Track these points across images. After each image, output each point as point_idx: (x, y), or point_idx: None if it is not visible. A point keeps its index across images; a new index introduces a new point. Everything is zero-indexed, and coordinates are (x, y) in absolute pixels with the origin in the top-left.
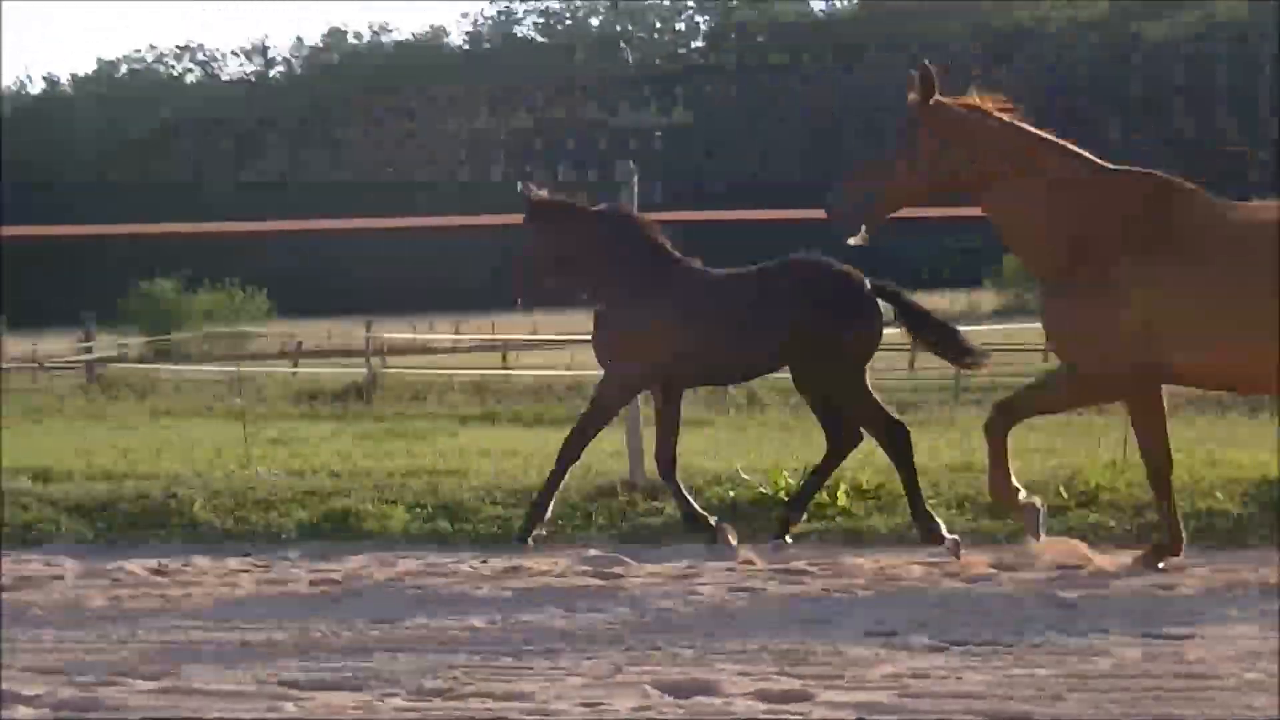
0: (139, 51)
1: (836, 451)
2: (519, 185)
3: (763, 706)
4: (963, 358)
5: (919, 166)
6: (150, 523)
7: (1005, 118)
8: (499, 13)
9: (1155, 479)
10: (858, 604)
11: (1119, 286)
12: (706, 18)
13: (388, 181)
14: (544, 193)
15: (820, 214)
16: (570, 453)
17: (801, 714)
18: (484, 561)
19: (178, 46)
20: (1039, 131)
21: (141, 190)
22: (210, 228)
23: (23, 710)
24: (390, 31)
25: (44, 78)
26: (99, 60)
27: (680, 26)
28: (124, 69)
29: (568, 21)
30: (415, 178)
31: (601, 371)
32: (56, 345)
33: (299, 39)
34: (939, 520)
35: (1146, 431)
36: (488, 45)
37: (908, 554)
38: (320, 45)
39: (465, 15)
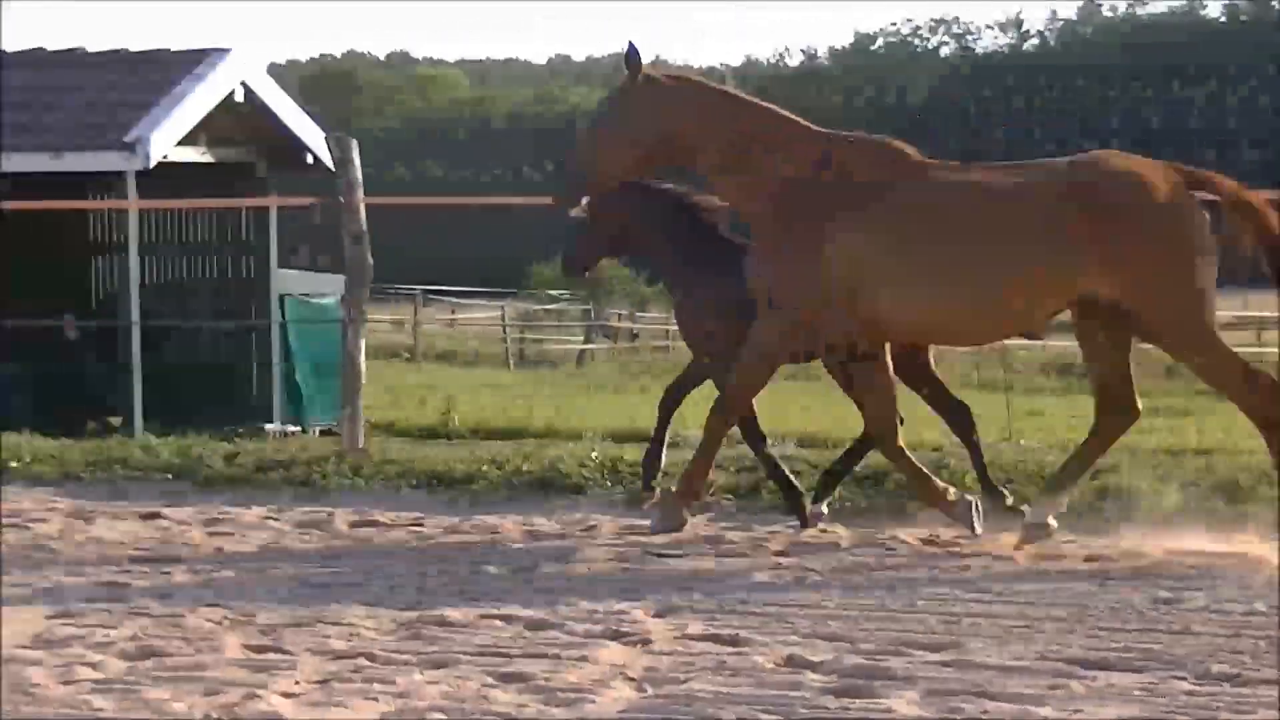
0: (894, 25)
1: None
2: None
3: None
4: None
5: (630, 139)
6: (914, 492)
7: (719, 87)
8: None
9: (881, 444)
10: None
11: (826, 245)
12: None
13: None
14: None
15: None
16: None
17: None
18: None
19: (933, 20)
20: (754, 99)
21: None
22: None
23: (810, 675)
24: (1145, 4)
25: (802, 50)
26: (856, 33)
27: None
28: (880, 42)
29: None
30: (1160, 151)
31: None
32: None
33: (1053, 12)
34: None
35: (868, 394)
36: (1244, 19)
37: None
38: (1074, 18)
39: None
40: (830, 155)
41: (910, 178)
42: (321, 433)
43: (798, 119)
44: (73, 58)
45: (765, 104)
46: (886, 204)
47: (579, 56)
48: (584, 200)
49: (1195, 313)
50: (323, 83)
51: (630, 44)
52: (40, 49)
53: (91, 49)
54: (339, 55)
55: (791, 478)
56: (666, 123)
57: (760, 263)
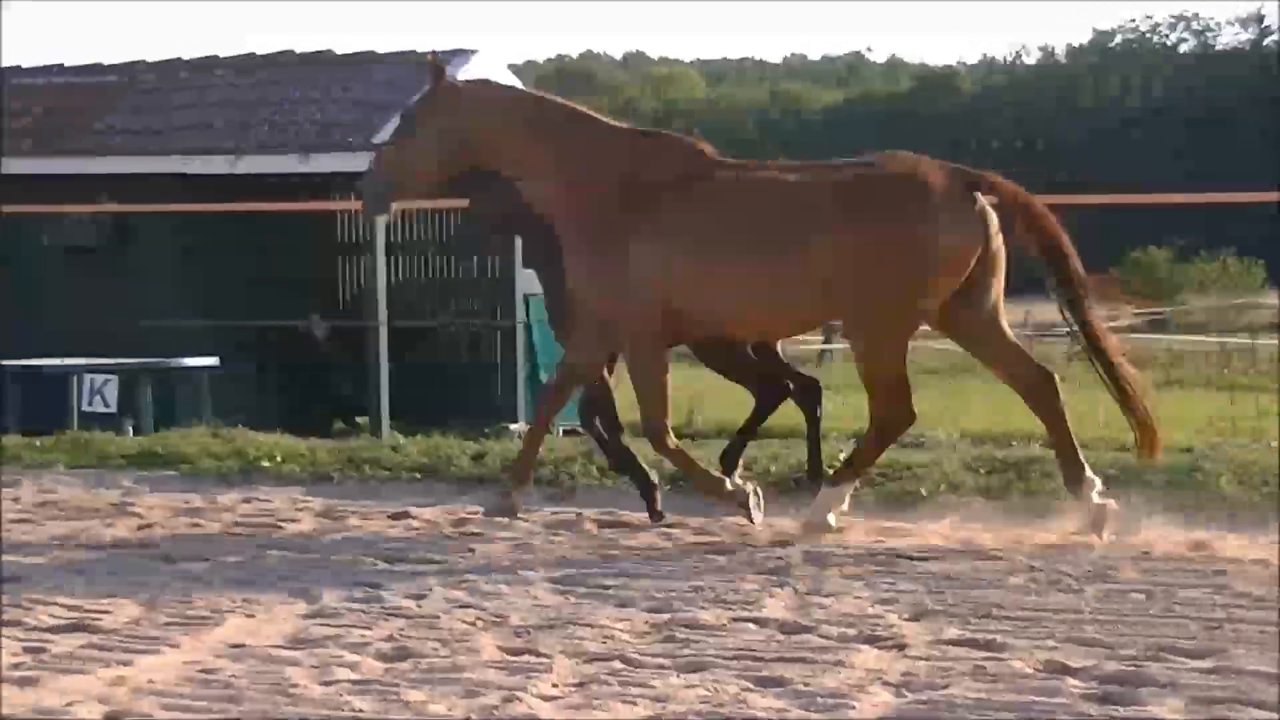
0: (1133, 21)
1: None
2: None
3: None
4: None
5: (433, 148)
6: (1175, 495)
7: (521, 90)
8: None
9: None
10: None
11: (626, 242)
12: None
13: None
14: None
15: None
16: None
17: None
18: None
19: (1171, 16)
20: (557, 99)
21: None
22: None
23: (1070, 681)
24: None
25: (1039, 48)
26: (1094, 30)
27: None
28: (1118, 39)
29: None
30: None
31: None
32: (1047, 312)
33: None
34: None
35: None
36: None
37: None
38: None
39: None
40: (631, 154)
41: (703, 176)
42: (565, 433)
43: (600, 117)
44: (321, 59)
45: (568, 103)
46: (679, 202)
47: (814, 55)
48: (392, 208)
49: (886, 316)
50: (560, 82)
51: (432, 52)
52: (289, 51)
53: (340, 50)
54: (575, 55)
55: (646, 468)
56: (469, 128)
57: (569, 265)
